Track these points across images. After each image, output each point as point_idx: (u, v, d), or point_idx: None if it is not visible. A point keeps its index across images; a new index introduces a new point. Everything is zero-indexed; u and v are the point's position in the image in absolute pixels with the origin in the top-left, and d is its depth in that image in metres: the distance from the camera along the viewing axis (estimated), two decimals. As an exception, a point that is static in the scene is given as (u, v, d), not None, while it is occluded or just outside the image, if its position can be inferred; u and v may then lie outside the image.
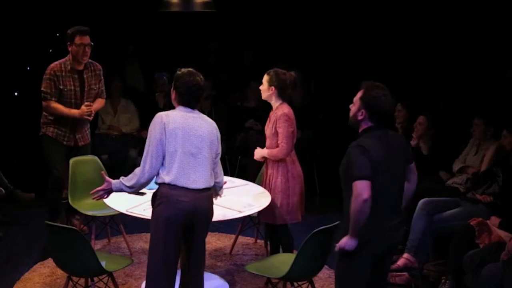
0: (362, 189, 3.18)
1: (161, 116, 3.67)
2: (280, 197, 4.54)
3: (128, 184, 3.69)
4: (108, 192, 3.80)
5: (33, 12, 7.53)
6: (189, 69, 3.80)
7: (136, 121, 7.32)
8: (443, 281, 4.77)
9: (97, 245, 5.28)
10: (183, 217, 3.64)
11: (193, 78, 3.73)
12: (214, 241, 5.72)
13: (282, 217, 4.55)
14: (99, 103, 5.48)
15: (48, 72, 5.25)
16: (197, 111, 3.80)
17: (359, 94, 3.40)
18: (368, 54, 7.61)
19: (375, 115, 3.35)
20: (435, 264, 5.12)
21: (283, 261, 4.08)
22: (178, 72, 3.79)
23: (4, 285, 4.70)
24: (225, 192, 4.53)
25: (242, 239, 5.65)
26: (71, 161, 5.16)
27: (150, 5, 6.95)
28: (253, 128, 7.48)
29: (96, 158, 5.34)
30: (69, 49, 5.23)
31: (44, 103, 5.30)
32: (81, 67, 5.27)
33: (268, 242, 5.07)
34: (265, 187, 4.65)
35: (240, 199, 4.47)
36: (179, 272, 3.86)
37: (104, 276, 4.04)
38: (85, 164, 5.23)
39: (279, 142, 4.51)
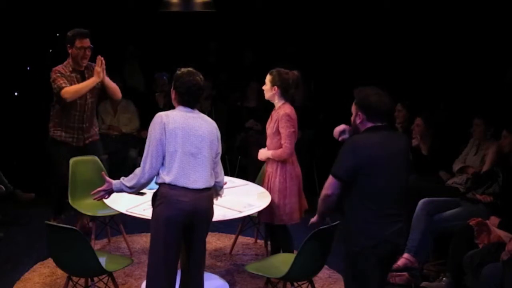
0: (330, 185, 3.34)
1: (161, 116, 3.67)
2: (277, 197, 4.55)
3: (128, 184, 3.69)
4: (109, 192, 3.80)
5: (33, 12, 7.53)
6: (189, 69, 3.80)
7: (136, 121, 7.32)
8: (441, 277, 4.78)
9: (97, 245, 5.28)
10: (183, 217, 3.63)
11: (192, 78, 3.73)
12: (214, 241, 5.72)
13: (279, 217, 4.56)
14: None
15: (53, 73, 5.23)
16: (197, 111, 3.80)
17: (353, 102, 3.46)
18: (368, 54, 7.61)
19: (371, 114, 3.37)
20: (435, 264, 5.12)
21: (283, 261, 4.08)
22: (178, 72, 3.79)
23: (4, 285, 4.70)
24: (225, 192, 4.52)
25: (242, 239, 5.65)
26: (71, 161, 5.16)
27: (150, 5, 6.95)
28: (253, 128, 7.48)
29: (96, 158, 5.33)
30: (69, 51, 5.24)
31: (62, 93, 5.11)
32: (81, 68, 5.28)
33: (269, 242, 5.07)
34: (265, 187, 4.65)
35: (240, 199, 4.47)
36: (179, 272, 3.86)
37: (104, 276, 4.04)
38: (85, 164, 5.23)
39: (282, 142, 4.52)
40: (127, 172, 3.79)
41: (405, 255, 4.98)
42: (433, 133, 5.70)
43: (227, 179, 4.95)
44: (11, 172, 6.28)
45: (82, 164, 5.21)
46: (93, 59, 5.31)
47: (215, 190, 3.90)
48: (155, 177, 3.68)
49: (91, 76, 5.27)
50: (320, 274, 4.63)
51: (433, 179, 5.66)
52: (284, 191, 4.55)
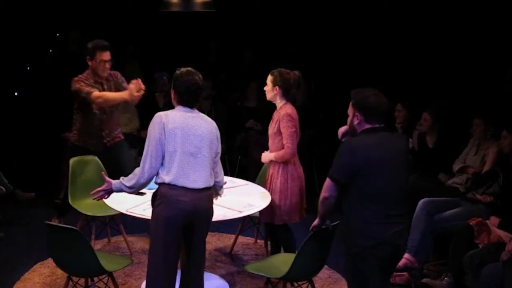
0: (327, 187, 3.36)
1: (160, 116, 3.67)
2: (278, 198, 4.54)
3: (128, 184, 3.69)
4: (109, 192, 3.81)
5: (33, 12, 7.53)
6: (188, 68, 3.80)
7: (136, 121, 7.32)
8: (442, 277, 4.78)
9: (97, 245, 5.28)
10: (183, 217, 3.63)
11: (191, 78, 3.73)
12: (214, 241, 5.72)
13: (280, 217, 4.55)
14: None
15: (76, 82, 5.12)
16: (196, 111, 3.80)
17: (350, 103, 3.46)
18: (368, 54, 7.61)
19: (368, 115, 3.36)
20: (435, 264, 5.12)
21: (283, 261, 4.08)
22: (177, 72, 3.79)
23: (4, 285, 4.70)
24: (225, 192, 4.52)
25: (242, 239, 5.65)
26: (71, 161, 5.16)
27: (150, 5, 6.95)
28: (253, 128, 7.48)
29: (96, 158, 5.33)
30: (89, 63, 5.19)
31: (92, 98, 5.01)
32: (102, 80, 5.22)
33: (269, 242, 5.07)
34: (266, 187, 4.65)
35: (240, 199, 4.47)
36: (179, 272, 3.86)
37: (104, 276, 4.04)
38: (85, 164, 5.22)
39: (284, 142, 4.52)
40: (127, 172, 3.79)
41: (405, 255, 4.97)
42: (440, 127, 5.70)
43: (227, 179, 4.95)
44: (11, 172, 6.28)
45: (82, 164, 5.21)
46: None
47: (214, 190, 3.90)
48: (155, 177, 3.68)
49: (110, 86, 5.22)
50: (320, 274, 4.63)
51: (433, 179, 5.66)
52: (285, 191, 4.55)
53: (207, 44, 8.61)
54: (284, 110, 4.54)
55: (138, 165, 3.68)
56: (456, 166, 5.55)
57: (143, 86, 4.93)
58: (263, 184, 4.81)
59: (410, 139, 5.70)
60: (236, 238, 5.51)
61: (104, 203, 4.27)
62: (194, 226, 3.70)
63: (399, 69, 7.25)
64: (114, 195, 3.97)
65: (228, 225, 5.50)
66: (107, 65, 5.16)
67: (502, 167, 5.00)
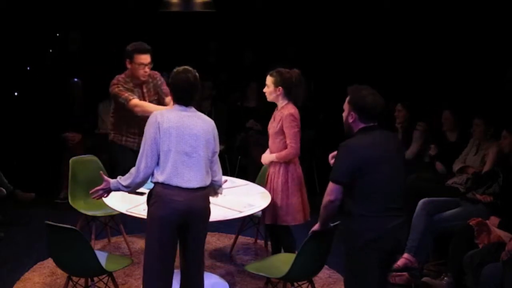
0: (331, 191, 3.36)
1: (156, 116, 3.68)
2: (280, 198, 4.54)
3: (124, 183, 3.71)
4: (107, 191, 3.82)
5: (33, 12, 7.53)
6: (185, 66, 3.80)
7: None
8: (442, 276, 4.78)
9: (97, 245, 5.28)
10: (177, 217, 3.63)
11: (185, 75, 3.73)
12: (214, 241, 5.72)
13: (282, 217, 4.55)
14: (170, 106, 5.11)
15: (115, 83, 5.00)
16: (193, 109, 3.78)
17: (346, 100, 3.48)
18: (368, 54, 7.61)
19: (364, 114, 3.40)
20: (435, 264, 5.12)
21: (283, 261, 4.08)
22: (174, 70, 3.81)
23: (4, 285, 4.70)
24: (225, 192, 4.52)
25: (242, 239, 5.66)
26: (71, 161, 5.17)
27: (150, 5, 6.94)
28: (253, 128, 7.48)
29: (96, 158, 5.34)
30: (128, 66, 5.02)
31: (130, 105, 4.90)
32: (140, 81, 5.09)
33: (269, 242, 5.07)
34: (268, 188, 4.65)
35: (240, 199, 4.47)
36: (178, 273, 3.86)
37: (104, 276, 4.04)
38: (85, 164, 5.23)
39: (287, 142, 4.52)
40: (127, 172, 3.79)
41: (405, 255, 4.98)
42: (460, 124, 5.77)
43: (227, 179, 4.96)
44: (11, 172, 6.28)
45: (82, 164, 5.21)
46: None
47: (213, 189, 3.90)
48: (151, 176, 3.69)
49: (149, 90, 5.12)
50: (320, 274, 4.63)
51: (433, 179, 5.67)
52: (286, 191, 4.55)
53: (207, 44, 8.61)
54: (287, 110, 4.54)
55: None
56: (456, 166, 5.55)
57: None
58: (263, 184, 4.81)
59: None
60: (236, 238, 5.52)
61: (104, 203, 4.27)
62: (189, 225, 3.70)
63: (399, 69, 7.26)
64: (113, 195, 3.97)
65: (228, 225, 5.50)
66: (147, 69, 5.00)
67: (502, 167, 5.00)
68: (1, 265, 5.04)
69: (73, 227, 3.88)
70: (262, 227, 5.41)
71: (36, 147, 6.96)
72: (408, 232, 5.03)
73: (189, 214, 3.66)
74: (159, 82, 5.18)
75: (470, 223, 4.65)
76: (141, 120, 5.02)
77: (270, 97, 4.63)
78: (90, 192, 3.87)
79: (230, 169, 7.24)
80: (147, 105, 4.92)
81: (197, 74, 3.79)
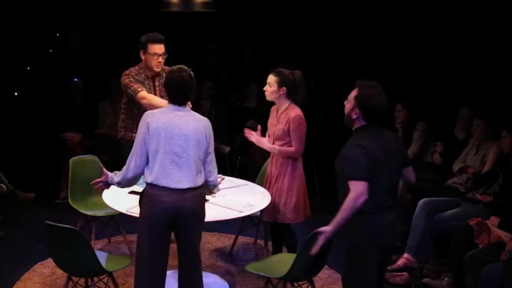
0: (364, 189, 3.26)
1: (147, 115, 3.70)
2: (285, 196, 4.55)
3: (116, 180, 3.77)
4: (106, 184, 3.87)
5: (33, 12, 7.53)
6: (180, 65, 3.80)
7: (136, 121, 7.31)
8: (442, 277, 4.78)
9: (97, 245, 5.28)
10: (165, 217, 3.63)
11: (179, 74, 3.72)
12: (214, 241, 5.72)
13: (285, 216, 4.55)
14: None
15: (126, 77, 4.90)
16: (187, 109, 3.75)
17: (353, 93, 3.44)
18: (368, 54, 7.61)
19: (369, 114, 3.39)
20: (435, 264, 5.12)
21: (283, 261, 4.08)
22: (169, 69, 3.83)
23: (4, 285, 4.70)
24: (225, 192, 4.54)
25: (242, 239, 5.65)
26: (71, 161, 5.16)
27: (150, 5, 6.94)
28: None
29: (96, 158, 5.33)
30: (142, 57, 4.93)
31: (137, 97, 4.79)
32: (153, 73, 5.00)
33: (269, 242, 5.06)
34: (268, 186, 4.64)
35: (240, 199, 4.47)
36: (176, 275, 3.85)
37: (104, 276, 4.04)
38: (85, 164, 5.22)
39: (295, 143, 4.53)
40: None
41: (405, 255, 4.98)
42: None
43: (227, 179, 4.96)
44: (11, 172, 6.28)
45: (82, 164, 5.21)
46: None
47: (208, 189, 3.87)
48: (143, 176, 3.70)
49: (162, 83, 4.91)
50: (320, 274, 4.63)
51: (433, 179, 5.67)
52: (292, 190, 4.56)
53: (207, 44, 8.61)
54: (293, 112, 4.54)
55: None
56: (456, 166, 5.55)
57: (190, 104, 4.54)
58: (263, 184, 4.81)
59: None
60: (236, 238, 5.51)
61: (104, 203, 4.27)
62: (179, 226, 3.68)
63: (399, 69, 7.26)
64: (114, 195, 3.97)
65: (228, 225, 5.50)
66: (161, 59, 4.88)
67: (502, 167, 5.00)
68: (1, 265, 5.04)
69: (73, 227, 3.88)
70: (262, 227, 5.41)
71: (36, 147, 6.96)
72: (408, 232, 5.04)
73: (178, 215, 3.64)
74: None
75: (470, 223, 4.66)
76: None
77: (271, 96, 4.60)
78: (91, 183, 3.92)
79: (230, 169, 7.24)
80: (154, 99, 4.81)
81: (192, 73, 3.76)
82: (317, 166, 7.06)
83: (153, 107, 4.63)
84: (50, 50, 7.91)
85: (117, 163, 6.22)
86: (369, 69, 7.24)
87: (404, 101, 6.15)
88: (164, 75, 4.87)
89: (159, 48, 4.86)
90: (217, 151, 7.28)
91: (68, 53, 7.52)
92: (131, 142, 5.04)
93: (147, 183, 3.67)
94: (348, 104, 3.45)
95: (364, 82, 3.46)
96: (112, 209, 4.31)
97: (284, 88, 4.54)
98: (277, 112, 4.66)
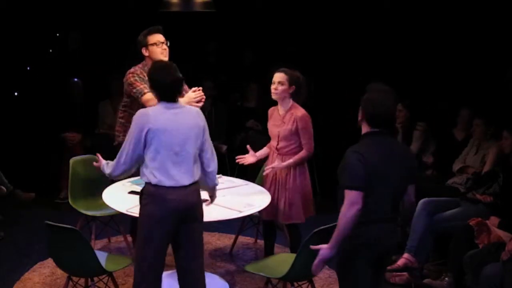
0: (356, 199, 3.15)
1: (143, 116, 3.60)
2: (301, 197, 4.62)
3: (107, 171, 3.78)
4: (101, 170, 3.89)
5: (33, 12, 7.53)
6: (163, 62, 3.83)
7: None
8: (442, 277, 4.78)
9: (97, 245, 5.28)
10: (173, 216, 3.61)
11: (167, 71, 3.68)
12: (214, 241, 5.72)
13: (299, 215, 4.62)
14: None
15: (130, 75, 4.74)
16: (178, 104, 3.70)
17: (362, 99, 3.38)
18: (368, 54, 7.60)
19: (370, 118, 3.29)
20: (435, 264, 5.12)
21: (283, 261, 4.08)
22: (151, 68, 3.79)
23: (4, 285, 4.70)
24: (225, 192, 4.54)
25: (242, 239, 5.66)
26: (71, 161, 5.16)
27: (150, 5, 6.94)
28: (253, 128, 7.48)
29: (96, 158, 5.33)
30: (145, 54, 4.76)
31: (142, 100, 4.60)
32: None
33: (264, 242, 5.05)
34: (276, 189, 4.65)
35: (240, 199, 4.47)
36: (175, 275, 3.85)
37: (104, 276, 4.04)
38: (85, 164, 5.22)
39: (303, 143, 4.56)
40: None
41: (405, 255, 4.98)
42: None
43: (227, 179, 4.97)
44: (11, 172, 6.28)
45: (82, 164, 5.21)
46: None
47: (210, 179, 3.86)
48: (142, 175, 3.66)
49: None
50: (320, 274, 4.63)
51: (433, 179, 5.67)
52: (304, 188, 4.64)
53: (207, 44, 8.61)
54: (299, 111, 4.57)
55: None
56: (456, 166, 5.55)
57: (204, 96, 4.54)
58: (263, 184, 4.81)
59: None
60: (236, 238, 5.52)
61: (104, 203, 4.27)
62: (186, 222, 3.67)
63: (399, 69, 7.26)
64: (113, 195, 3.97)
65: (228, 225, 5.50)
66: (165, 46, 4.70)
67: (502, 167, 5.01)
68: (1, 265, 5.04)
69: (73, 227, 3.88)
70: (262, 227, 5.41)
71: (36, 147, 6.96)
72: (408, 232, 5.04)
73: (186, 211, 3.64)
74: None
75: (470, 223, 4.66)
76: None
77: (281, 95, 4.57)
78: (94, 164, 3.96)
79: (230, 169, 7.23)
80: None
81: (176, 65, 3.72)
82: (317, 166, 7.06)
83: None
84: (50, 50, 7.91)
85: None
86: (369, 69, 7.25)
87: (404, 101, 6.15)
88: None
89: (159, 37, 4.75)
90: (216, 152, 7.35)
91: (68, 53, 7.52)
92: None
93: (148, 183, 3.62)
94: (360, 110, 3.38)
95: (374, 86, 3.37)
96: (112, 209, 4.31)
97: (293, 86, 4.56)
98: (279, 113, 4.66)
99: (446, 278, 4.75)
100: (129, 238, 5.40)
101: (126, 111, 4.83)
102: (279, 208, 4.62)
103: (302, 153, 4.58)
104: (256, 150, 4.86)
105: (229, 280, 4.87)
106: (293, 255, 4.00)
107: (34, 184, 6.46)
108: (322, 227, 3.78)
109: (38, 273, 4.93)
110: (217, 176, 4.88)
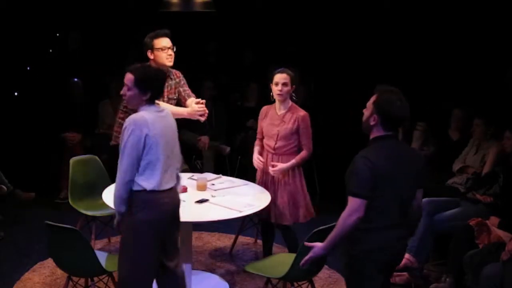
0: (358, 206, 3.11)
1: (136, 123, 3.44)
2: (303, 197, 4.64)
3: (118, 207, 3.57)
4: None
5: (33, 12, 7.53)
6: (143, 64, 3.74)
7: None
8: (443, 278, 4.78)
9: (97, 245, 5.28)
10: (169, 218, 3.62)
11: (154, 69, 3.68)
12: (214, 241, 5.72)
13: (304, 216, 4.65)
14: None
15: None
16: (160, 107, 3.64)
17: (372, 99, 3.27)
18: (369, 54, 7.61)
19: (388, 121, 3.21)
20: (435, 264, 5.12)
21: (283, 261, 4.08)
22: (135, 69, 3.65)
23: (4, 285, 4.70)
24: (225, 192, 4.55)
25: (242, 239, 5.66)
26: (71, 161, 5.16)
27: (150, 5, 6.95)
28: (253, 128, 7.48)
29: (96, 158, 5.34)
30: (151, 57, 4.70)
31: None
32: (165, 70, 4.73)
33: (262, 242, 5.05)
34: (275, 190, 4.64)
35: (240, 199, 4.47)
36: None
37: (104, 276, 4.04)
38: (85, 164, 5.23)
39: (303, 143, 4.58)
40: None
41: (405, 255, 4.97)
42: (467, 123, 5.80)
43: (227, 179, 4.97)
44: (11, 172, 6.28)
45: (82, 164, 5.21)
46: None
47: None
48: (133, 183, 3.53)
49: (170, 86, 4.80)
50: (320, 274, 4.63)
51: (433, 179, 5.66)
52: (304, 189, 4.66)
53: (207, 44, 8.61)
54: (300, 111, 4.60)
55: None
56: (456, 166, 5.55)
57: (207, 111, 4.57)
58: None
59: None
60: (236, 238, 5.52)
61: (104, 203, 4.27)
62: (172, 222, 3.68)
63: (399, 69, 7.25)
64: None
65: (228, 225, 5.50)
66: (170, 52, 4.67)
67: (503, 168, 5.01)
68: (1, 265, 5.04)
69: (73, 227, 3.88)
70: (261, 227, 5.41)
71: (36, 147, 6.96)
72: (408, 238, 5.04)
73: (175, 212, 3.66)
74: (182, 82, 4.91)
75: (470, 223, 4.66)
76: None
77: (285, 96, 4.59)
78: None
79: (230, 169, 7.24)
80: (165, 106, 4.48)
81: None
82: (317, 166, 7.06)
83: None
84: (50, 50, 7.91)
85: (117, 164, 6.21)
86: (369, 69, 7.25)
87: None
88: (172, 78, 4.83)
89: (166, 42, 4.72)
90: (217, 151, 7.36)
91: (68, 53, 7.53)
92: None
93: (143, 191, 3.50)
94: (367, 111, 3.27)
95: (384, 88, 3.31)
96: (112, 209, 4.29)
97: (293, 86, 4.60)
98: (277, 112, 4.66)
99: (447, 279, 4.74)
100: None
101: (126, 112, 4.78)
102: (272, 209, 4.62)
103: (303, 153, 4.59)
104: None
105: (229, 280, 4.87)
106: (293, 255, 3.99)
107: (34, 184, 6.46)
108: (322, 227, 3.78)
109: (38, 273, 4.93)
110: (217, 176, 4.92)
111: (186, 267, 4.37)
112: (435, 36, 7.12)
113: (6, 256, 5.22)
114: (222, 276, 4.96)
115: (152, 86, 3.54)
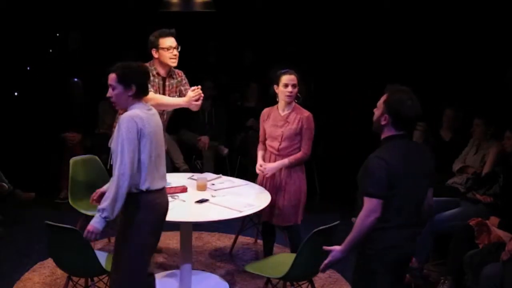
0: (375, 207, 3.09)
1: (135, 121, 3.40)
2: (304, 197, 4.66)
3: (105, 212, 3.57)
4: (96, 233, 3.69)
5: (33, 12, 7.53)
6: (128, 62, 3.69)
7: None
8: (442, 281, 4.77)
9: (97, 245, 5.28)
10: (162, 218, 3.63)
11: (142, 67, 3.67)
12: (214, 241, 5.72)
13: (302, 216, 4.68)
14: None
15: None
16: (148, 105, 3.63)
17: (383, 98, 3.26)
18: (369, 54, 7.61)
19: (399, 121, 3.19)
20: (435, 264, 5.12)
21: (283, 261, 4.08)
22: (122, 66, 3.65)
23: (4, 285, 4.70)
24: (225, 192, 4.55)
25: (242, 239, 5.66)
26: (71, 161, 5.16)
27: (150, 5, 6.95)
28: (253, 128, 7.48)
29: (96, 157, 5.34)
30: (155, 55, 4.70)
31: (145, 98, 4.27)
32: (164, 74, 4.75)
33: (263, 243, 5.05)
34: (275, 191, 4.65)
35: (240, 199, 4.47)
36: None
37: (104, 276, 4.04)
38: (85, 164, 5.23)
39: (304, 144, 4.58)
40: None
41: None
42: (459, 123, 5.90)
43: (227, 179, 4.97)
44: (11, 172, 6.28)
45: (82, 164, 5.21)
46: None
47: None
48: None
49: (172, 85, 4.80)
50: (320, 274, 4.62)
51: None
52: (305, 190, 4.68)
53: (207, 44, 8.61)
54: (305, 111, 4.61)
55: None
56: (456, 166, 5.55)
57: (202, 95, 4.53)
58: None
59: None
60: (236, 238, 5.52)
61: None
62: (163, 223, 3.69)
63: (399, 69, 7.25)
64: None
65: (228, 225, 5.50)
66: (175, 52, 4.67)
67: (503, 167, 5.01)
68: (1, 265, 5.04)
69: (73, 227, 3.88)
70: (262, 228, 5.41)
71: (36, 147, 6.96)
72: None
73: (166, 212, 3.67)
74: (183, 81, 4.90)
75: (470, 223, 4.66)
76: None
77: (294, 97, 4.61)
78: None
79: (230, 169, 7.24)
80: (161, 98, 4.60)
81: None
82: (317, 166, 7.07)
83: (160, 106, 4.47)
84: (50, 50, 7.91)
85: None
86: (369, 69, 7.25)
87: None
88: (174, 77, 4.81)
89: (171, 41, 4.72)
90: (216, 152, 7.37)
91: (68, 53, 7.52)
92: None
93: (140, 192, 3.48)
94: (378, 110, 3.25)
95: (394, 87, 3.29)
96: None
97: (298, 87, 4.60)
98: (280, 113, 4.65)
99: (446, 282, 4.73)
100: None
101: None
102: (274, 211, 4.63)
103: (298, 155, 4.59)
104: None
105: (229, 280, 4.87)
106: (293, 255, 3.99)
107: (34, 184, 6.46)
108: (322, 227, 3.78)
109: (38, 273, 4.93)
110: (217, 176, 4.92)
111: (186, 267, 4.39)
112: (435, 36, 7.12)
113: (6, 256, 5.22)
114: (222, 276, 4.96)
115: (135, 79, 3.50)
